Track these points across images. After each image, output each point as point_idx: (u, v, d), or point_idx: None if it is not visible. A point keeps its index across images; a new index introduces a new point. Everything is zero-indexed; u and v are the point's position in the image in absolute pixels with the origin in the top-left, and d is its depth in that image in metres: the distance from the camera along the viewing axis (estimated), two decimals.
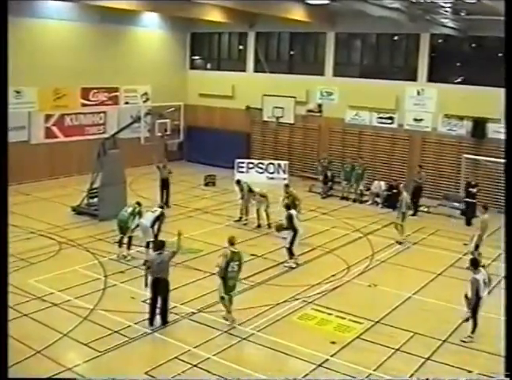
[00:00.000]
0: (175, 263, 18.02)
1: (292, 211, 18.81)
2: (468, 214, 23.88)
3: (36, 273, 16.82)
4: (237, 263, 14.14)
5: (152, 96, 32.72)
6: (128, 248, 18.78)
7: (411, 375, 12.11)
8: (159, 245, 14.60)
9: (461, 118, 27.00)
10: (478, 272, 13.66)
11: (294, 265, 18.30)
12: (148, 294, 14.26)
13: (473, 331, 13.59)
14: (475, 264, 13.85)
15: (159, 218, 18.95)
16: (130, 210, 18.87)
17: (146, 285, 14.84)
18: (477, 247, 18.55)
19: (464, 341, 13.47)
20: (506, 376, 9.16)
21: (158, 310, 14.03)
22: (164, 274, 14.02)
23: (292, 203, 20.49)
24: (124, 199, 23.08)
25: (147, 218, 18.69)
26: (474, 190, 24.34)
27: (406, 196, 21.70)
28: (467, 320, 13.67)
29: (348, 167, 28.03)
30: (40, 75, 27.54)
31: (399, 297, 16.14)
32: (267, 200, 22.44)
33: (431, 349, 13.18)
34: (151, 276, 14.16)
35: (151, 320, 13.94)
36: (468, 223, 23.50)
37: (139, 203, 19.38)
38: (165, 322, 14.02)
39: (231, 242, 14.38)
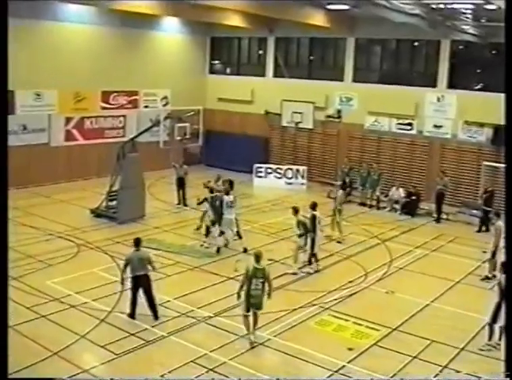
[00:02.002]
0: (193, 267, 18.17)
1: (316, 212, 18.55)
2: (485, 221, 23.78)
3: (54, 275, 16.91)
4: (261, 280, 13.33)
5: (171, 100, 32.81)
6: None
7: None
8: (136, 242, 14.55)
9: (481, 125, 26.84)
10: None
11: (312, 271, 18.23)
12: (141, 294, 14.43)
13: (490, 338, 13.46)
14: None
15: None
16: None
17: (122, 283, 14.70)
18: (494, 254, 18.25)
19: (481, 349, 13.35)
20: (506, 376, 9.11)
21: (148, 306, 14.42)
22: (144, 270, 14.20)
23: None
24: (143, 202, 23.22)
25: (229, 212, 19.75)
26: (488, 196, 24.13)
27: (341, 194, 22.32)
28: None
29: (364, 172, 27.96)
30: (61, 78, 27.74)
31: (416, 304, 16.04)
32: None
33: (448, 357, 13.08)
34: (131, 274, 14.28)
35: (131, 314, 14.29)
36: (486, 229, 23.30)
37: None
38: (156, 317, 14.29)
39: (257, 258, 13.50)
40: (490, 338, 13.45)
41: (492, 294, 15.60)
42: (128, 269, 14.38)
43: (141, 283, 14.19)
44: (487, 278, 18.06)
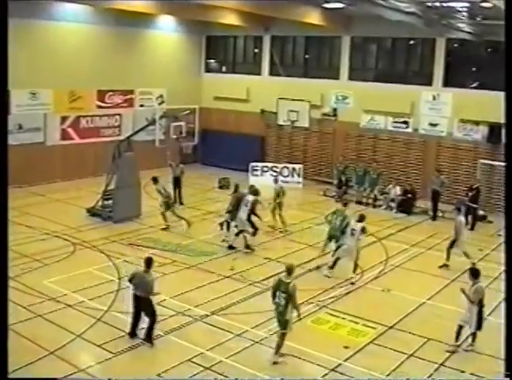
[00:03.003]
0: (189, 265, 18.16)
1: (363, 223, 18.07)
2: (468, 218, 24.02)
3: (50, 274, 16.90)
4: (284, 295, 12.46)
5: (167, 98, 32.76)
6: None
7: None
8: (147, 263, 13.48)
9: (477, 123, 26.89)
10: (479, 281, 13.35)
11: (329, 275, 17.91)
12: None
13: (474, 339, 13.42)
14: (475, 274, 13.40)
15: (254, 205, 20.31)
16: None
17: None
18: (452, 245, 19.21)
19: (466, 350, 13.34)
20: (506, 376, 9.12)
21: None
22: (144, 292, 13.15)
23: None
24: (139, 201, 23.21)
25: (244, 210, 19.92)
26: (473, 193, 24.24)
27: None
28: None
29: (360, 171, 27.98)
30: (56, 77, 27.69)
31: (412, 302, 16.07)
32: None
33: (445, 355, 13.11)
34: (133, 290, 13.45)
35: (131, 333, 13.35)
36: (472, 227, 23.77)
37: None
38: (147, 340, 13.12)
39: (288, 271, 12.76)
40: (474, 338, 13.41)
41: (492, 292, 15.75)
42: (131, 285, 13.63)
43: (141, 305, 13.27)
44: (445, 265, 19.00)
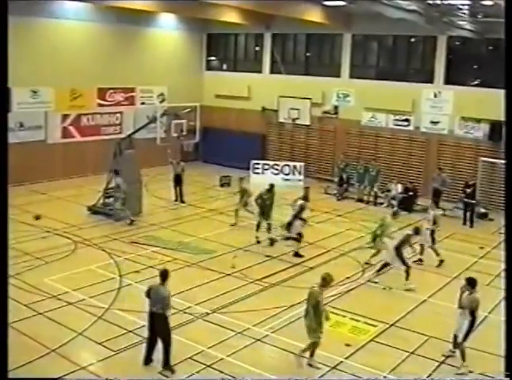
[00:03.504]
0: (190, 263, 18.17)
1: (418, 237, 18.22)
2: (471, 215, 24.47)
3: (51, 272, 16.91)
4: (311, 304, 12.17)
5: (168, 96, 32.76)
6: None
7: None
8: (163, 276, 12.23)
9: (478, 121, 26.86)
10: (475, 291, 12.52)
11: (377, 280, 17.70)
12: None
13: (464, 357, 12.58)
14: (472, 284, 12.55)
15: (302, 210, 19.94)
16: None
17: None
18: (433, 240, 19.37)
19: (458, 373, 12.41)
20: (506, 376, 9.11)
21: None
22: (161, 308, 11.94)
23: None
24: (140, 199, 23.20)
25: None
26: (469, 190, 24.39)
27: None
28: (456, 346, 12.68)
29: (361, 169, 27.99)
30: (57, 75, 27.69)
31: (413, 300, 16.08)
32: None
33: (446, 353, 13.10)
34: (149, 306, 12.19)
35: (146, 358, 12.21)
36: (471, 224, 24.12)
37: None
38: (167, 368, 12.01)
39: (323, 282, 12.27)
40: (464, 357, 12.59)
41: (492, 289, 15.78)
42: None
43: (156, 322, 12.05)
44: (441, 262, 19.08)
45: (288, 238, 19.57)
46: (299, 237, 19.43)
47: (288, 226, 19.42)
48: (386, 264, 17.55)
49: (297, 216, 19.57)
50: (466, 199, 24.36)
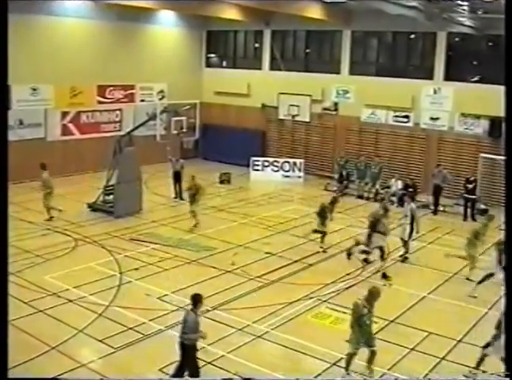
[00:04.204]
0: (190, 260, 18.18)
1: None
2: (467, 210, 24.57)
3: (51, 269, 16.93)
4: (354, 318, 11.70)
5: (168, 93, 32.76)
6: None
7: (426, 375, 12.05)
8: (195, 301, 11.01)
9: (478, 117, 26.86)
10: None
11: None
12: None
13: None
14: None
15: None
16: None
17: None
18: (410, 235, 19.12)
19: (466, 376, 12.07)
20: (506, 376, 9.10)
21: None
22: (188, 338, 10.84)
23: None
24: (140, 197, 23.22)
25: None
26: (471, 186, 24.45)
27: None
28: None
29: (361, 165, 28.01)
30: (57, 73, 27.69)
31: (414, 296, 16.07)
32: None
33: (446, 349, 13.11)
34: (180, 338, 11.00)
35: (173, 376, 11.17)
36: (473, 219, 24.14)
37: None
38: None
39: (369, 296, 11.73)
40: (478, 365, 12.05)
41: (491, 285, 15.77)
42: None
43: (183, 353, 10.96)
44: (405, 258, 19.08)
45: (364, 251, 18.65)
46: (381, 253, 18.06)
47: (369, 238, 18.37)
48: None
49: (374, 229, 18.23)
50: (467, 195, 24.41)
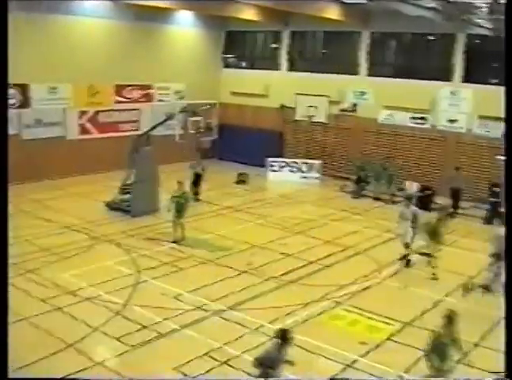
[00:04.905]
0: (206, 260, 18.19)
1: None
2: (489, 214, 24.24)
3: (68, 267, 16.99)
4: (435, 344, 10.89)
5: (186, 93, 32.82)
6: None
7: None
8: (282, 336, 10.06)
9: (497, 119, 26.67)
10: None
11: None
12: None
13: None
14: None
15: None
16: None
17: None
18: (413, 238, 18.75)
19: None
20: (506, 376, 9.04)
21: None
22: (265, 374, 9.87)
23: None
24: (157, 196, 23.27)
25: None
26: (497, 189, 24.22)
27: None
28: None
29: (378, 167, 27.92)
30: (75, 72, 27.82)
31: (430, 299, 15.99)
32: None
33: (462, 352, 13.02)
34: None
35: None
36: (490, 222, 23.61)
37: None
38: None
39: (448, 319, 10.93)
40: None
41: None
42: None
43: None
44: (403, 257, 18.72)
45: (423, 254, 18.33)
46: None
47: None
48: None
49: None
50: (493, 199, 24.10)
